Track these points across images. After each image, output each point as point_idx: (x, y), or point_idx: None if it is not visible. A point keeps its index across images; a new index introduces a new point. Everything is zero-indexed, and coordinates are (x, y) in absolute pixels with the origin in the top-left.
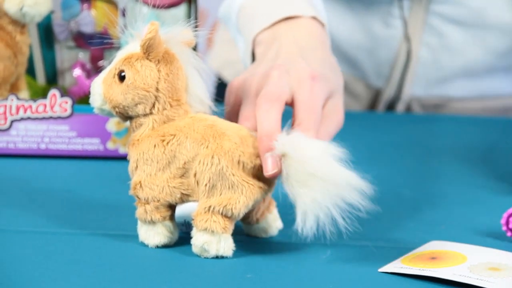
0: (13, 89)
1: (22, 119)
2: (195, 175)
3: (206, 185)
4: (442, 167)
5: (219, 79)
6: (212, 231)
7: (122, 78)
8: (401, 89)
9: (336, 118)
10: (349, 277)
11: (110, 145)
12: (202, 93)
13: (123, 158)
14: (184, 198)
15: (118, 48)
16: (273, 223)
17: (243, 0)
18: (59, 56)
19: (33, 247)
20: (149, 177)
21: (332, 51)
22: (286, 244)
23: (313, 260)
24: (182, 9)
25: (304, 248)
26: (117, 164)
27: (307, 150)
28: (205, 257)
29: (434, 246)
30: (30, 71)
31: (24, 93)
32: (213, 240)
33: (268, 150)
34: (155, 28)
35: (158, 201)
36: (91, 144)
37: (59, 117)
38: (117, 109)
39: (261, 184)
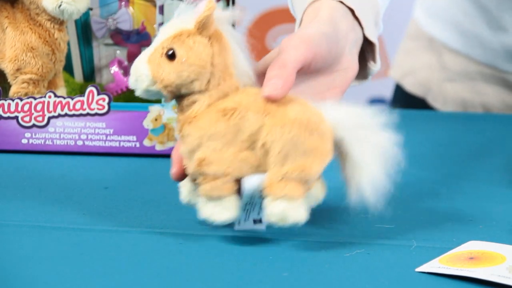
0: (51, 86)
1: (59, 116)
2: (263, 146)
3: (278, 154)
4: (483, 167)
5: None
6: (290, 199)
7: (171, 56)
8: None
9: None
10: (386, 276)
11: (147, 143)
12: (247, 66)
13: (160, 155)
14: (252, 170)
15: None
16: (321, 189)
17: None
18: (96, 53)
19: (70, 244)
20: (215, 152)
21: None
22: (322, 243)
23: (350, 259)
24: (219, 7)
25: (340, 247)
26: (154, 162)
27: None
28: (280, 226)
29: (472, 246)
30: (68, 68)
31: (62, 90)
32: (291, 207)
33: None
34: (213, 6)
35: (226, 175)
36: (128, 141)
37: (96, 114)
38: (169, 88)
39: (328, 148)
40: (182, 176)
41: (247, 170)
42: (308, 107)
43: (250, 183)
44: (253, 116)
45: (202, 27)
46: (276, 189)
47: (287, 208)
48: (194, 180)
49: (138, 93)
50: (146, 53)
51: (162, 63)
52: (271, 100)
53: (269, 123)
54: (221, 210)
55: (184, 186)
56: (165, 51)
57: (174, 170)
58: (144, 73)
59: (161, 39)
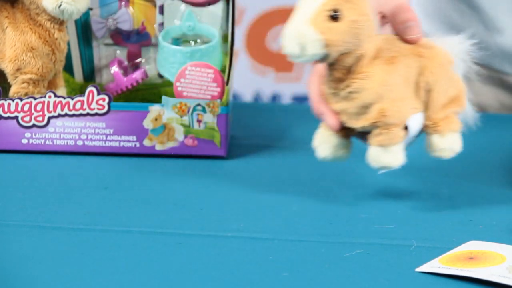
0: (51, 86)
1: (59, 116)
2: (424, 86)
3: (440, 92)
4: (482, 167)
5: None
6: (456, 131)
7: (335, 18)
8: None
9: None
10: (386, 276)
11: (147, 143)
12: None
13: (160, 155)
14: (414, 112)
15: (155, 45)
16: None
17: None
18: (96, 53)
19: (70, 244)
20: (394, 102)
21: None
22: (322, 243)
23: (350, 259)
24: (219, 7)
25: (339, 247)
26: (154, 162)
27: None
28: (446, 158)
29: (472, 246)
30: (68, 68)
31: (62, 90)
32: (457, 140)
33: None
34: None
35: (402, 123)
36: (128, 141)
37: (96, 114)
38: (339, 49)
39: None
40: (340, 126)
41: (411, 114)
42: (437, 44)
43: (414, 125)
44: (412, 60)
45: None
46: (443, 125)
47: (455, 142)
48: (349, 134)
49: (302, 59)
50: (302, 20)
51: (331, 25)
52: (413, 42)
53: (429, 64)
54: (397, 156)
55: (327, 143)
56: (329, 13)
57: (332, 121)
58: (314, 38)
59: (316, 3)
